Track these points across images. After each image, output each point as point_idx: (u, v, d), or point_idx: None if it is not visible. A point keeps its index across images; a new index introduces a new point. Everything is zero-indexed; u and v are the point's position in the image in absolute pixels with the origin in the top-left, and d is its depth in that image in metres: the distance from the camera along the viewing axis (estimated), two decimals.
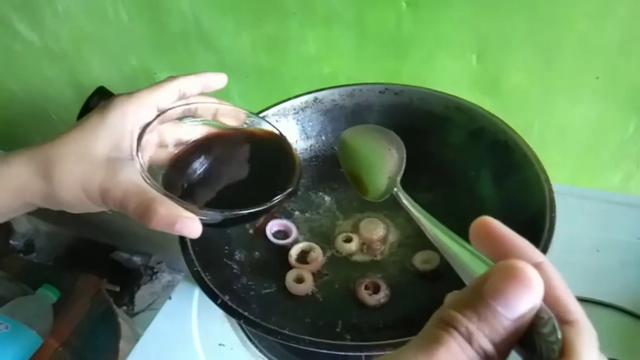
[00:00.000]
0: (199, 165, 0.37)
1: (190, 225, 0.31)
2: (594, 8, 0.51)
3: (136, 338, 0.61)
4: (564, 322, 0.17)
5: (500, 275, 0.17)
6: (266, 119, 0.40)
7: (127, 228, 0.93)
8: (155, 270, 1.18)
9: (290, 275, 0.43)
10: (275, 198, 0.32)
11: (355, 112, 0.49)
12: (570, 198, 0.49)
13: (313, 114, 0.49)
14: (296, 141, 0.51)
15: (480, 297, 0.17)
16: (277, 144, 0.36)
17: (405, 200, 0.31)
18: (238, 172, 0.37)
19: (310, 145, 0.51)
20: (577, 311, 0.18)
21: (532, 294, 0.16)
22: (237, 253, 0.44)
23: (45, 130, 1.02)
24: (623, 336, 0.41)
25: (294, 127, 0.50)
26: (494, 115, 0.43)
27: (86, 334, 0.64)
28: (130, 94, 0.36)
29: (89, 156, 0.33)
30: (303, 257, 0.46)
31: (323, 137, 0.51)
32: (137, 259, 1.22)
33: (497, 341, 0.17)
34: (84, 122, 0.35)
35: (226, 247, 0.43)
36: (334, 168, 0.49)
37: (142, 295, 1.12)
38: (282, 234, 0.47)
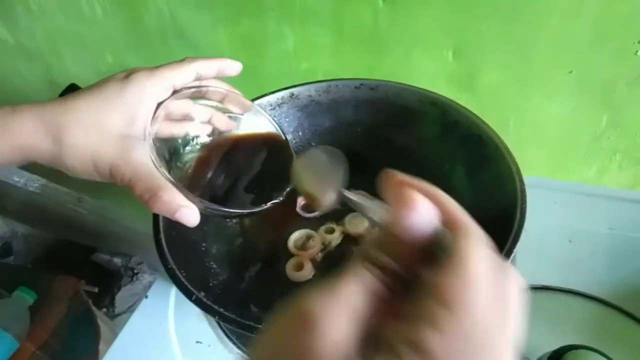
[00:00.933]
0: (212, 166, 0.37)
1: (189, 214, 0.32)
2: (566, 5, 0.52)
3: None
4: (454, 230, 0.19)
5: (395, 204, 0.20)
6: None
7: (107, 229, 0.92)
8: (135, 271, 1.17)
9: (290, 264, 0.45)
10: (270, 203, 0.34)
11: (331, 107, 0.50)
12: (544, 190, 0.50)
13: (290, 109, 0.49)
14: None
15: (382, 227, 0.20)
16: (278, 145, 0.38)
17: (353, 196, 0.31)
18: (244, 173, 0.38)
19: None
20: (463, 220, 0.20)
21: (420, 213, 0.19)
22: (214, 249, 0.44)
23: None
24: (594, 324, 0.42)
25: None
26: (467, 110, 0.44)
27: (64, 337, 0.62)
28: (150, 70, 0.36)
29: (103, 129, 0.33)
30: (302, 245, 0.47)
31: (300, 133, 0.51)
32: (117, 260, 1.20)
33: (399, 258, 0.19)
34: (101, 90, 0.34)
35: (203, 244, 0.43)
36: None
37: (122, 297, 1.10)
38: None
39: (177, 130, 0.39)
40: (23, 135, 0.33)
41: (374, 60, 0.64)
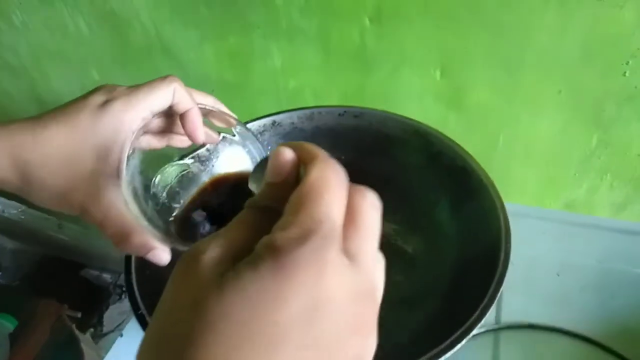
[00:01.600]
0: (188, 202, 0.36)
1: (160, 255, 0.32)
2: (553, 23, 0.52)
3: None
4: (311, 163, 0.21)
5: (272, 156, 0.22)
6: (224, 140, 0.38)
7: (91, 251, 0.91)
8: (124, 288, 1.14)
9: None
10: None
11: (315, 134, 0.48)
12: (532, 220, 0.49)
13: (272, 137, 0.48)
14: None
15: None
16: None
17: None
18: (221, 210, 0.36)
19: None
20: (317, 153, 0.21)
21: (286, 158, 0.22)
22: None
23: None
24: None
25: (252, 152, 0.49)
26: (451, 140, 0.43)
27: None
28: (127, 97, 0.33)
29: (73, 168, 0.32)
30: None
31: None
32: (106, 276, 1.18)
33: (276, 198, 0.21)
34: (73, 122, 0.32)
35: None
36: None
37: (110, 316, 1.08)
38: None
39: (157, 143, 0.37)
40: None
41: (362, 78, 0.63)
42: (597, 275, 0.45)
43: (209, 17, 0.64)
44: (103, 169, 0.32)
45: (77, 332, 0.68)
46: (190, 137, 0.36)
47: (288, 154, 0.22)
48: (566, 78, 0.55)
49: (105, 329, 1.04)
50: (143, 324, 0.34)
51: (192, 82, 0.73)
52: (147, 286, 0.36)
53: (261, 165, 0.29)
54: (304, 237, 0.18)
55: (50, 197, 0.32)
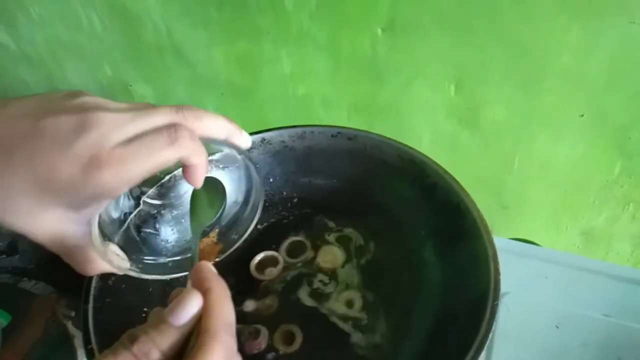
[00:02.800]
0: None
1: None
2: (578, 42, 0.48)
3: None
4: (204, 326, 0.24)
5: (175, 298, 0.25)
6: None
7: None
8: None
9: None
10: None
11: (306, 154, 0.46)
12: (534, 261, 0.44)
13: (260, 155, 0.46)
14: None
15: (160, 316, 0.24)
16: None
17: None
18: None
19: None
20: (212, 324, 0.24)
21: (189, 308, 0.24)
22: None
23: None
24: None
25: (239, 172, 0.47)
26: (447, 173, 0.40)
27: None
28: (121, 165, 0.26)
29: (40, 220, 0.27)
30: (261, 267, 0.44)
31: (271, 180, 0.48)
32: None
33: (166, 347, 0.24)
34: (51, 182, 0.26)
35: (145, 309, 0.39)
36: (282, 212, 0.46)
37: None
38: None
39: None
40: None
41: (373, 88, 0.61)
42: (601, 330, 0.41)
43: (219, 20, 0.62)
44: (72, 218, 0.28)
45: (71, 328, 0.68)
46: (191, 183, 0.31)
47: (193, 308, 0.25)
48: (589, 101, 0.52)
49: None
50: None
51: (202, 84, 0.72)
52: (106, 315, 0.35)
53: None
54: None
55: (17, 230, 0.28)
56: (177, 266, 0.33)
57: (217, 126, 0.32)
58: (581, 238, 0.64)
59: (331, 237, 0.46)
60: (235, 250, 0.33)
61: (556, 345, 0.39)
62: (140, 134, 0.27)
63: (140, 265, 0.31)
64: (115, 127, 0.27)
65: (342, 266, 0.44)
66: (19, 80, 0.90)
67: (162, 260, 0.33)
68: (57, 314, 0.69)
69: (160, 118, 0.29)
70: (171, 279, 0.42)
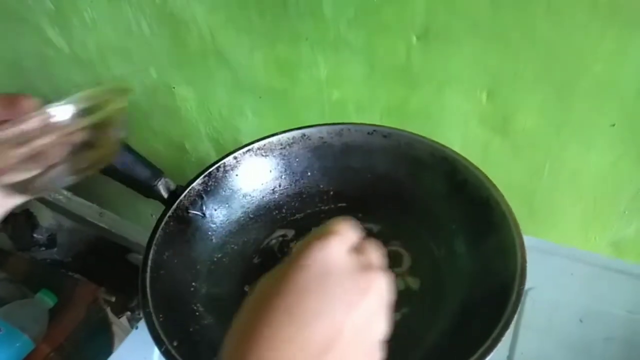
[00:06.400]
0: None
1: None
2: (611, 50, 0.49)
3: None
4: None
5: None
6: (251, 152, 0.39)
7: (134, 237, 0.95)
8: None
9: None
10: None
11: (343, 151, 0.49)
12: (561, 259, 0.45)
13: (300, 150, 0.49)
14: (281, 176, 0.50)
15: None
16: None
17: None
18: None
19: (296, 181, 0.51)
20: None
21: None
22: (204, 290, 0.42)
23: None
24: None
25: (280, 163, 0.50)
26: (478, 169, 0.41)
27: (79, 342, 0.65)
28: None
29: None
30: None
31: (309, 173, 0.50)
32: None
33: None
34: None
35: (193, 284, 0.42)
36: (319, 204, 0.49)
37: None
38: None
39: None
40: None
41: (405, 94, 0.63)
42: (625, 326, 0.41)
43: (260, 26, 0.65)
44: None
45: (110, 315, 0.72)
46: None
47: None
48: (622, 110, 0.52)
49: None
50: (148, 322, 0.35)
51: (242, 87, 0.76)
52: (160, 285, 0.38)
53: None
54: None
55: None
56: None
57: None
58: (610, 248, 0.64)
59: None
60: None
61: (580, 339, 0.40)
62: None
63: None
64: None
65: None
66: (70, 81, 0.95)
67: None
68: (98, 300, 0.73)
69: None
70: (217, 259, 0.45)
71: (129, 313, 1.04)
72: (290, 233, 0.49)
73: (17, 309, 0.64)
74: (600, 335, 0.40)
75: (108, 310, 0.73)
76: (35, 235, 1.34)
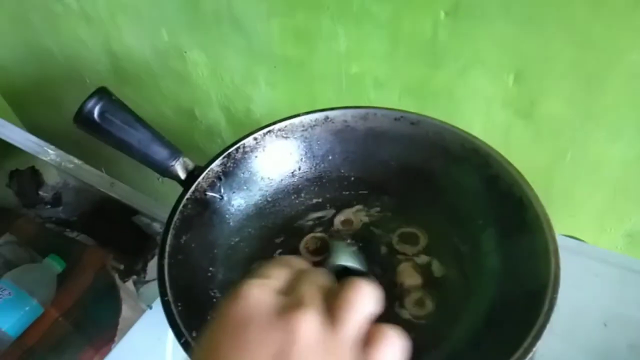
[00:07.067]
0: None
1: None
2: None
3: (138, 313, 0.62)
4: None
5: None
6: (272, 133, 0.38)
7: (145, 207, 0.95)
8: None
9: None
10: None
11: (367, 135, 0.47)
12: (585, 259, 0.44)
13: (322, 132, 0.47)
14: (301, 159, 0.49)
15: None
16: None
17: None
18: None
19: (316, 165, 0.49)
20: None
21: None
22: (220, 275, 0.41)
23: (78, 94, 1.03)
24: None
25: (301, 145, 0.48)
26: (511, 165, 0.40)
27: (87, 307, 0.65)
28: None
29: None
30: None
31: (330, 157, 0.49)
32: (156, 225, 1.23)
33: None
34: None
35: (210, 269, 0.41)
36: (339, 190, 0.47)
37: (154, 264, 1.13)
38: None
39: None
40: None
41: (428, 72, 0.61)
42: None
43: None
44: None
45: (118, 281, 0.72)
46: None
47: None
48: None
49: (147, 277, 1.09)
50: (167, 312, 0.34)
51: (256, 55, 0.73)
52: (178, 271, 0.37)
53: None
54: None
55: None
56: None
57: None
58: (625, 240, 0.63)
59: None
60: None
61: (603, 343, 0.39)
62: None
63: None
64: None
65: None
66: (77, 39, 0.93)
67: None
68: (107, 266, 0.73)
69: None
70: (234, 243, 0.44)
71: (134, 277, 1.04)
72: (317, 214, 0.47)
73: (26, 273, 0.65)
74: (625, 342, 0.40)
75: (116, 276, 0.73)
76: (40, 192, 1.33)
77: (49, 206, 1.39)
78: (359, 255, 0.37)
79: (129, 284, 0.83)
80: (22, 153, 1.00)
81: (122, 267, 0.74)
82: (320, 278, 0.28)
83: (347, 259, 0.34)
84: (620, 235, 0.63)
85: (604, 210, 0.62)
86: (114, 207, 1.35)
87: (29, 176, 1.37)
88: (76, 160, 0.86)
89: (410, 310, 0.39)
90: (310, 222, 0.46)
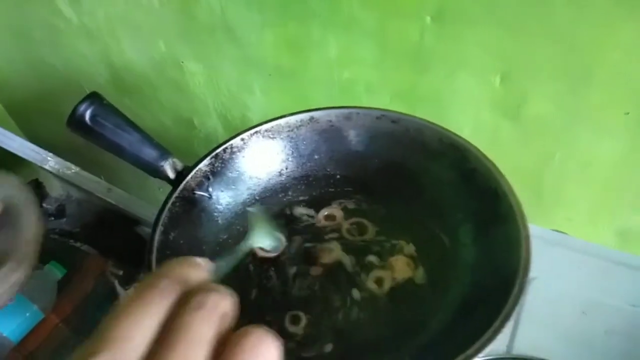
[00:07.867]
0: None
1: None
2: (631, 40, 0.48)
3: None
4: None
5: None
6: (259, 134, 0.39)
7: (142, 214, 0.96)
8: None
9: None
10: None
11: (351, 135, 0.48)
12: (566, 250, 0.45)
13: (308, 133, 0.49)
14: (288, 158, 0.50)
15: None
16: None
17: None
18: None
19: (303, 164, 0.51)
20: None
21: None
22: None
23: None
24: None
25: (287, 145, 0.50)
26: (487, 159, 0.41)
27: (87, 313, 0.66)
28: None
29: None
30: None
31: (316, 157, 0.50)
32: None
33: None
34: None
35: None
36: (325, 188, 0.48)
37: None
38: None
39: None
40: None
41: (417, 76, 0.62)
42: (628, 319, 0.41)
43: (272, 1, 0.64)
44: None
45: (118, 287, 0.73)
46: None
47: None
48: (637, 100, 0.51)
49: None
50: None
51: (251, 64, 0.75)
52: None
53: None
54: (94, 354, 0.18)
55: None
56: None
57: None
58: (616, 238, 0.64)
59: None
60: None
61: (581, 331, 0.40)
62: None
63: None
64: None
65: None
66: (78, 53, 0.95)
67: None
68: (106, 272, 0.74)
69: None
70: (222, 240, 0.45)
71: (134, 283, 1.05)
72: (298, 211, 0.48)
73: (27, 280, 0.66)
74: (602, 328, 0.40)
75: (116, 283, 0.75)
76: (44, 205, 1.35)
77: (52, 218, 1.41)
78: (278, 232, 0.36)
79: (129, 290, 0.85)
80: (25, 166, 1.02)
81: (121, 272, 0.75)
82: (208, 317, 0.21)
83: (263, 240, 0.33)
84: (612, 234, 0.63)
85: (595, 209, 0.62)
86: (116, 217, 1.37)
87: (32, 189, 1.39)
88: (74, 167, 0.88)
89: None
90: (297, 218, 0.47)
